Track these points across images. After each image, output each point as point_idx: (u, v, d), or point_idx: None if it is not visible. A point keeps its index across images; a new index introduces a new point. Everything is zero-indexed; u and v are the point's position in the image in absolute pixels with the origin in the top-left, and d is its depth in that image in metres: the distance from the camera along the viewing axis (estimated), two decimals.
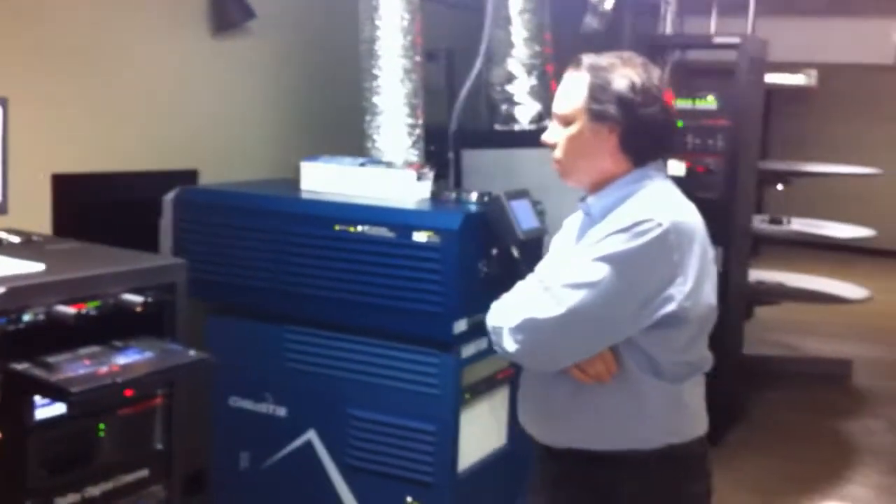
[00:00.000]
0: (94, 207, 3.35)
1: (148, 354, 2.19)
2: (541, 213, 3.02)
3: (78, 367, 2.05)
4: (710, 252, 1.97)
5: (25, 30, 3.04)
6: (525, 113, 4.00)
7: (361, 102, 3.30)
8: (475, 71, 3.86)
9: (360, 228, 2.89)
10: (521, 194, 2.95)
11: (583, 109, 1.94)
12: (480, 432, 3.11)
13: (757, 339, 6.21)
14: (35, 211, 3.05)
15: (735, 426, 4.98)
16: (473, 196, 3.02)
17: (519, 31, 3.99)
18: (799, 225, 5.93)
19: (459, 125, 3.99)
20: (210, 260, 3.12)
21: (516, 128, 3.98)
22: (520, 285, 2.12)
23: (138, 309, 2.19)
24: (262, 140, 4.00)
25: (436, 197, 3.10)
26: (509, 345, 1.95)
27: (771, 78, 6.29)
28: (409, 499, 2.96)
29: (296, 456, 3.12)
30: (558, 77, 4.18)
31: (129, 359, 2.15)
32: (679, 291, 1.86)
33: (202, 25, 3.68)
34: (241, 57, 3.85)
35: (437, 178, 3.53)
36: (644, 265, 1.86)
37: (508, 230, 2.81)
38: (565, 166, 2.00)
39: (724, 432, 4.83)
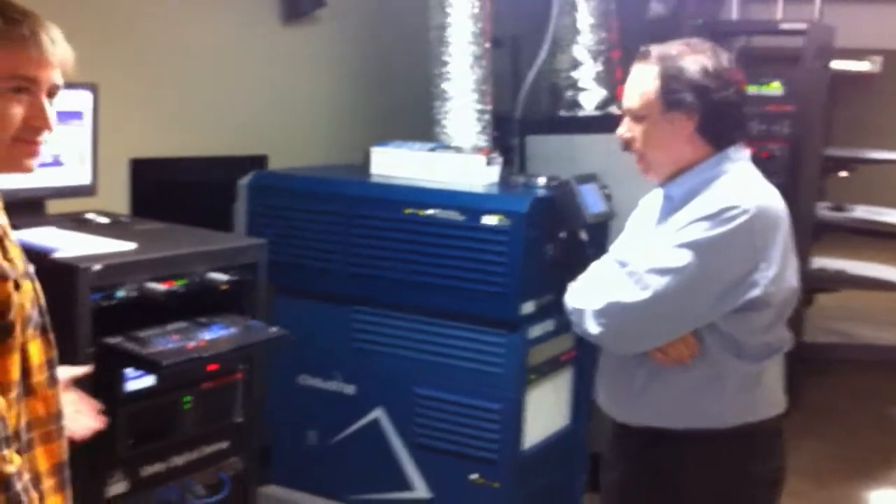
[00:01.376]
0: (169, 191, 3.46)
1: (232, 330, 2.28)
2: (608, 198, 3.06)
3: (167, 341, 2.16)
4: (791, 235, 2.01)
5: (112, 18, 3.15)
6: (590, 99, 4.03)
7: (430, 89, 3.36)
8: (541, 57, 3.90)
9: (429, 212, 2.96)
10: (588, 178, 3.00)
11: (657, 100, 1.97)
12: (544, 412, 3.17)
13: (816, 327, 6.17)
14: (114, 193, 3.17)
15: (792, 412, 4.96)
16: (542, 180, 3.07)
17: (585, 18, 4.02)
18: (861, 212, 5.88)
19: (524, 111, 4.04)
20: (283, 242, 3.21)
21: (581, 114, 4.01)
22: (596, 266, 2.17)
23: (223, 287, 2.28)
24: (330, 126, 4.08)
25: (504, 181, 3.16)
26: (592, 327, 2.00)
27: (835, 64, 6.25)
28: (473, 476, 3.03)
29: (363, 433, 3.21)
30: (624, 63, 4.24)
31: (214, 334, 2.25)
32: (763, 277, 1.90)
33: (274, 14, 3.76)
34: (311, 44, 3.94)
35: (504, 164, 3.60)
36: (729, 252, 1.90)
37: (576, 214, 2.86)
38: (647, 161, 2.04)
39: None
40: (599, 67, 4.03)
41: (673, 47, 1.99)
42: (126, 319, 2.17)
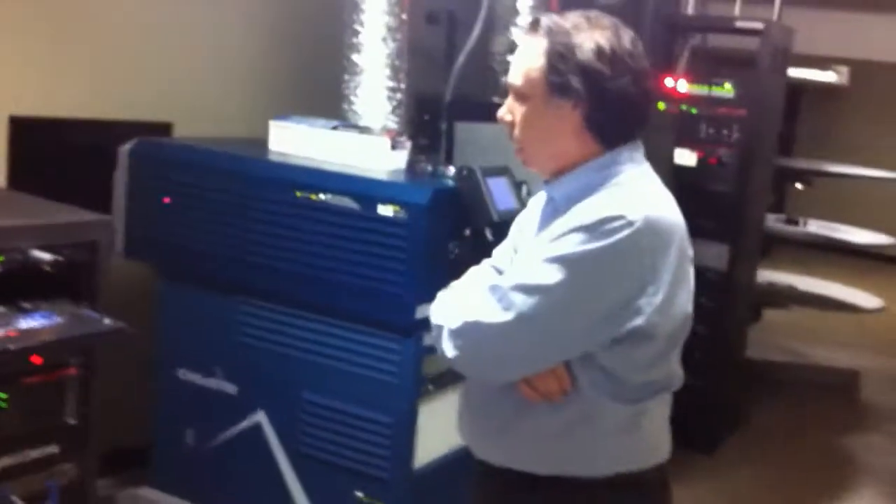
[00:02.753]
0: (55, 155, 3.13)
1: (56, 320, 1.97)
2: (522, 193, 2.76)
3: None
4: (690, 251, 1.70)
5: None
6: None
7: (341, 60, 3.05)
8: (474, 37, 3.60)
9: (322, 197, 2.65)
10: (500, 171, 2.69)
11: (540, 81, 1.65)
12: (442, 427, 2.86)
13: (763, 343, 5.92)
14: None
15: (734, 433, 4.73)
16: (451, 170, 2.77)
17: None
18: (815, 227, 5.63)
19: (455, 95, 3.74)
20: (165, 220, 2.90)
21: None
22: (472, 272, 1.87)
23: (47, 268, 1.96)
24: (239, 95, 3.75)
25: (410, 169, 2.85)
26: (448, 349, 1.69)
27: (799, 74, 5.98)
28: (359, 494, 2.73)
29: (243, 437, 2.90)
30: None
31: (33, 323, 1.93)
32: (648, 303, 1.59)
33: None
34: (218, 5, 3.60)
35: (429, 151, 3.29)
36: (609, 271, 1.58)
37: (482, 209, 2.55)
38: (526, 150, 1.72)
39: (722, 438, 4.60)
40: None
41: (568, 19, 1.66)
42: None
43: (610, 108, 1.64)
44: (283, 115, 3.04)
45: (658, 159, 3.43)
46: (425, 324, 2.60)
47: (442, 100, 3.59)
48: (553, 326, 1.60)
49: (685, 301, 1.66)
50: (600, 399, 1.64)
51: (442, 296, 1.80)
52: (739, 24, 4.42)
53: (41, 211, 2.11)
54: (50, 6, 3.01)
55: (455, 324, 1.67)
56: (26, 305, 1.97)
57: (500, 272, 1.88)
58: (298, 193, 2.68)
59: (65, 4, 3.05)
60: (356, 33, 2.95)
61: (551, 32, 1.65)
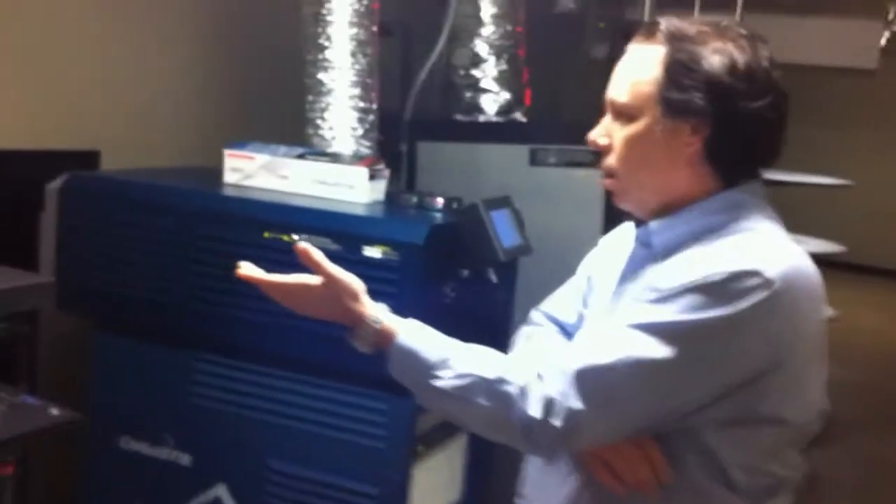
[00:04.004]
0: None
1: None
2: (521, 226, 2.44)
3: None
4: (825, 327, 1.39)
5: None
6: (492, 102, 3.44)
7: (304, 79, 2.67)
8: (438, 49, 3.28)
9: (296, 237, 2.28)
10: (501, 203, 2.37)
11: (655, 97, 1.35)
12: (434, 490, 2.53)
13: None
14: None
15: None
16: (439, 201, 2.43)
17: (489, 7, 3.43)
18: None
19: (415, 113, 3.42)
20: (104, 266, 2.49)
21: (481, 118, 3.42)
22: (528, 333, 1.57)
23: None
24: (179, 119, 3.34)
25: (393, 201, 2.50)
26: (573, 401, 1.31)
27: None
28: None
29: None
30: (531, 63, 3.65)
31: None
32: (777, 383, 1.29)
33: None
34: (156, 16, 3.19)
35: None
36: (735, 344, 1.27)
37: (487, 248, 2.23)
38: (622, 182, 1.41)
39: None
40: (503, 66, 3.45)
41: (692, 25, 1.36)
42: None
43: (739, 135, 1.34)
44: (234, 141, 2.66)
45: None
46: None
47: (402, 118, 3.27)
48: (639, 412, 1.29)
49: (820, 388, 1.36)
50: (714, 489, 1.33)
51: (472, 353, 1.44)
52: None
53: None
54: None
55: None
56: None
57: (561, 326, 1.57)
58: (266, 234, 2.31)
59: None
60: (322, 49, 2.59)
61: (673, 39, 1.35)
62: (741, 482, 1.34)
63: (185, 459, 2.51)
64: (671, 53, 1.34)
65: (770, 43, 1.38)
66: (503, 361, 1.38)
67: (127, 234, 2.48)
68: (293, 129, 2.78)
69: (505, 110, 3.45)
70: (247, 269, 1.50)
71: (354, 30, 2.60)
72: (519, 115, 3.49)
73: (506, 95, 3.45)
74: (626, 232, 1.56)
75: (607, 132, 1.42)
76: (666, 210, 1.41)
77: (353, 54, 2.60)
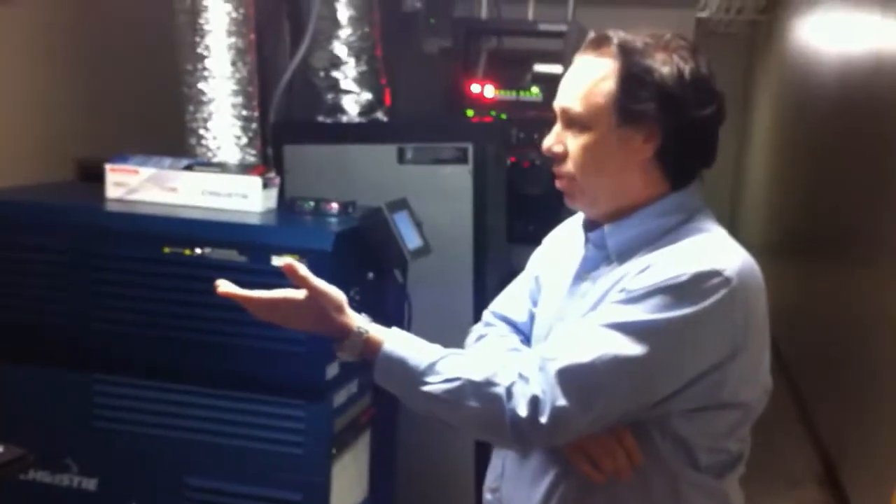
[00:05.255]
0: None
1: None
2: (419, 227, 2.52)
3: None
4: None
5: None
6: (353, 103, 3.48)
7: (182, 89, 2.64)
8: (301, 53, 3.31)
9: (198, 251, 2.27)
10: (400, 205, 2.43)
11: (610, 108, 1.44)
12: (347, 489, 2.58)
13: None
14: None
15: None
16: (334, 207, 2.47)
17: (344, 10, 3.46)
18: None
19: (278, 115, 3.44)
20: None
21: (344, 119, 3.46)
22: (479, 329, 1.64)
23: None
24: (30, 132, 3.19)
25: (288, 208, 2.51)
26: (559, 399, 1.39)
27: None
28: None
29: None
30: (387, 63, 3.72)
31: None
32: (735, 369, 1.41)
33: None
34: (6, 25, 3.04)
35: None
36: (702, 338, 1.39)
37: (395, 251, 2.29)
38: (579, 185, 1.49)
39: None
40: (363, 67, 3.49)
41: (638, 38, 1.46)
42: None
43: (688, 142, 1.45)
44: (94, 153, 2.59)
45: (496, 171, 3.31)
46: (334, 383, 2.34)
47: (266, 121, 3.27)
48: (624, 396, 1.40)
49: (767, 368, 1.50)
50: (684, 469, 1.45)
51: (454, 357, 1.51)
52: (543, 26, 4.38)
53: None
54: None
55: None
56: None
57: (513, 325, 1.65)
58: (166, 249, 2.28)
59: None
60: (201, 58, 2.56)
61: (624, 52, 1.43)
62: (705, 461, 1.47)
63: (90, 484, 2.45)
64: (625, 66, 1.43)
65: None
66: (488, 364, 1.45)
67: (12, 258, 2.39)
68: (168, 140, 2.73)
69: (367, 110, 3.49)
70: (226, 286, 1.50)
71: (233, 38, 2.58)
72: (381, 115, 3.54)
73: (367, 96, 3.49)
74: (570, 230, 1.65)
75: (560, 140, 1.50)
76: (617, 211, 1.51)
77: (234, 63, 2.59)
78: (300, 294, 1.49)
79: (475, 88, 4.46)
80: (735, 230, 11.12)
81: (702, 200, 1.53)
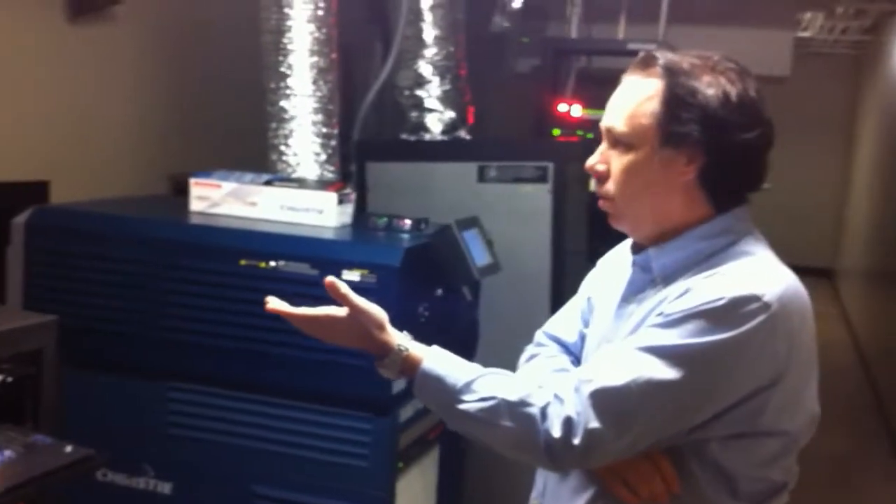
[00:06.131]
0: None
1: (7, 454, 1.57)
2: (490, 245, 2.53)
3: None
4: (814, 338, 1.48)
5: None
6: (436, 121, 3.51)
7: (266, 107, 2.71)
8: (386, 71, 3.35)
9: (273, 264, 2.33)
10: (470, 223, 2.45)
11: (652, 129, 1.42)
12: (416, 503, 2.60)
13: None
14: None
15: None
16: (407, 223, 2.50)
17: (430, 29, 3.50)
18: None
19: (362, 133, 3.48)
20: (71, 301, 2.48)
21: (427, 137, 3.49)
22: (532, 349, 1.65)
23: None
24: (129, 148, 3.33)
25: (362, 224, 2.56)
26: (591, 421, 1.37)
27: None
28: None
29: None
30: (471, 82, 3.75)
31: None
32: (777, 398, 1.38)
33: (57, 6, 2.99)
34: (105, 46, 3.19)
35: None
36: (739, 365, 1.35)
37: (462, 268, 2.31)
38: (619, 206, 1.48)
39: None
40: (447, 86, 3.52)
41: (685, 59, 1.44)
42: None
43: (731, 165, 1.43)
44: (186, 168, 2.68)
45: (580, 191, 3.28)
46: (399, 398, 2.37)
47: (349, 139, 3.33)
48: (658, 423, 1.38)
49: (813, 396, 1.46)
50: (720, 498, 1.43)
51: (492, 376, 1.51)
52: (633, 45, 4.35)
53: None
54: None
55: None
56: None
57: (564, 345, 1.65)
58: (243, 262, 2.35)
59: None
60: (284, 77, 2.63)
61: (670, 73, 1.42)
62: (744, 490, 1.43)
63: (165, 488, 2.52)
64: (670, 87, 1.42)
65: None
66: (524, 384, 1.45)
67: (96, 268, 2.48)
68: (254, 156, 2.81)
69: (450, 129, 3.52)
70: (275, 303, 1.54)
71: (315, 58, 2.65)
72: (464, 133, 3.57)
73: (450, 114, 3.52)
74: (621, 253, 1.65)
75: (604, 159, 1.49)
76: (661, 235, 1.48)
77: (315, 81, 2.65)
78: (342, 311, 1.51)
79: (562, 108, 4.45)
80: (838, 255, 10.72)
81: (750, 224, 1.50)
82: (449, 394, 1.45)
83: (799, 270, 1.49)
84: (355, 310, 1.50)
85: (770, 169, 1.49)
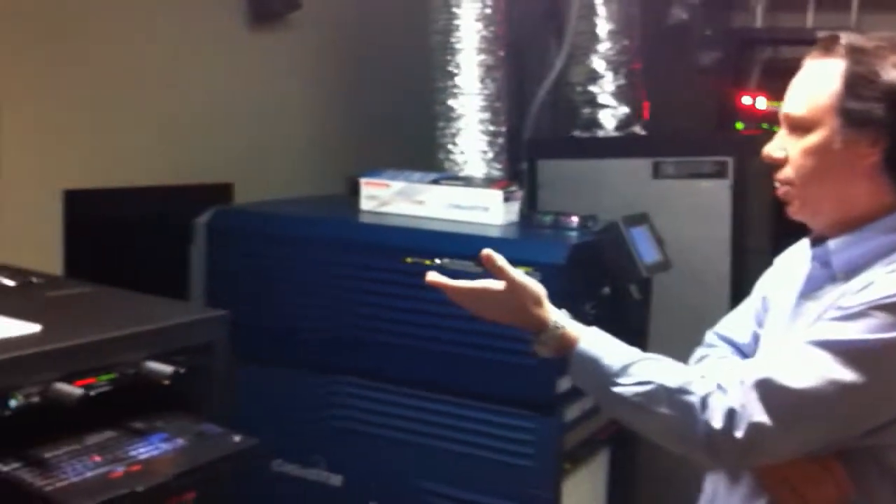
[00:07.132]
0: (113, 229, 2.82)
1: (178, 442, 1.64)
2: (660, 243, 2.45)
3: (84, 466, 1.51)
4: None
5: (25, 21, 2.50)
6: (610, 117, 3.44)
7: (434, 106, 2.74)
8: (558, 67, 3.32)
9: (438, 261, 2.34)
10: (639, 220, 2.38)
11: (834, 109, 1.35)
12: None
13: None
14: (43, 235, 2.55)
15: None
16: (574, 220, 2.46)
17: (604, 23, 3.44)
18: None
19: (533, 131, 3.46)
20: (250, 298, 2.58)
21: (600, 134, 3.43)
22: (701, 351, 1.58)
23: (165, 381, 1.64)
24: (308, 149, 3.44)
25: (527, 221, 2.54)
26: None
27: None
28: None
29: None
30: (647, 76, 3.65)
31: (153, 450, 1.61)
32: None
33: (238, 15, 3.13)
34: (285, 51, 3.30)
35: None
36: None
37: (629, 265, 2.25)
38: (801, 195, 1.41)
39: None
40: (621, 81, 3.45)
41: (869, 41, 1.38)
42: (28, 432, 1.53)
43: None
44: (361, 169, 2.74)
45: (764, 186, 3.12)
46: (565, 398, 2.33)
47: (520, 137, 3.31)
48: (821, 430, 1.29)
49: None
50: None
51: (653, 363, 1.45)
52: (822, 34, 4.11)
53: (144, 311, 1.79)
54: (86, 71, 2.70)
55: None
56: (138, 425, 1.66)
57: (736, 346, 1.58)
58: (409, 259, 2.37)
59: (103, 66, 2.74)
60: (451, 76, 2.65)
61: (853, 52, 1.36)
62: None
63: (336, 480, 2.58)
64: (851, 66, 1.36)
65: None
66: (685, 371, 1.39)
67: (271, 266, 2.57)
68: (423, 155, 2.84)
69: (624, 124, 3.45)
70: (434, 276, 1.55)
71: (482, 56, 2.65)
72: (638, 129, 3.48)
73: (624, 109, 3.44)
74: (800, 250, 1.56)
75: (783, 145, 1.43)
76: (843, 225, 1.40)
77: (482, 80, 2.66)
78: (500, 285, 1.49)
79: (746, 100, 4.26)
80: None
81: None
82: (604, 376, 1.41)
83: None
84: (512, 283, 1.48)
85: None
